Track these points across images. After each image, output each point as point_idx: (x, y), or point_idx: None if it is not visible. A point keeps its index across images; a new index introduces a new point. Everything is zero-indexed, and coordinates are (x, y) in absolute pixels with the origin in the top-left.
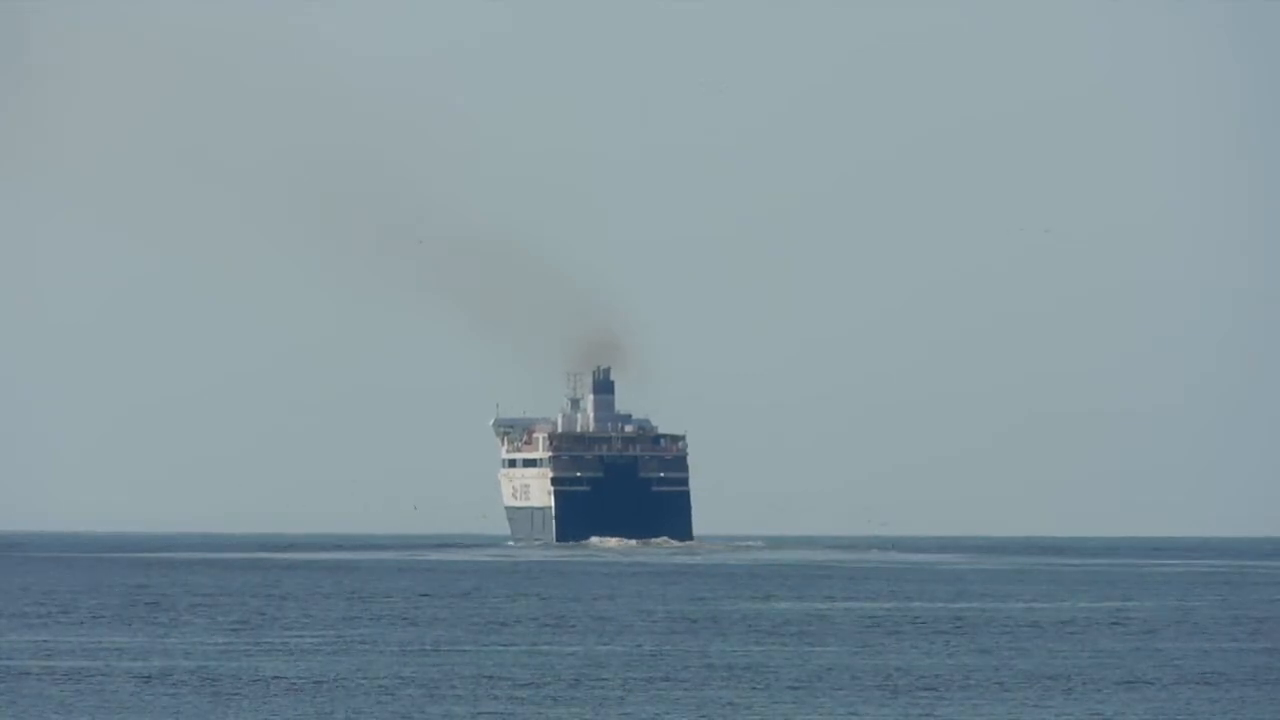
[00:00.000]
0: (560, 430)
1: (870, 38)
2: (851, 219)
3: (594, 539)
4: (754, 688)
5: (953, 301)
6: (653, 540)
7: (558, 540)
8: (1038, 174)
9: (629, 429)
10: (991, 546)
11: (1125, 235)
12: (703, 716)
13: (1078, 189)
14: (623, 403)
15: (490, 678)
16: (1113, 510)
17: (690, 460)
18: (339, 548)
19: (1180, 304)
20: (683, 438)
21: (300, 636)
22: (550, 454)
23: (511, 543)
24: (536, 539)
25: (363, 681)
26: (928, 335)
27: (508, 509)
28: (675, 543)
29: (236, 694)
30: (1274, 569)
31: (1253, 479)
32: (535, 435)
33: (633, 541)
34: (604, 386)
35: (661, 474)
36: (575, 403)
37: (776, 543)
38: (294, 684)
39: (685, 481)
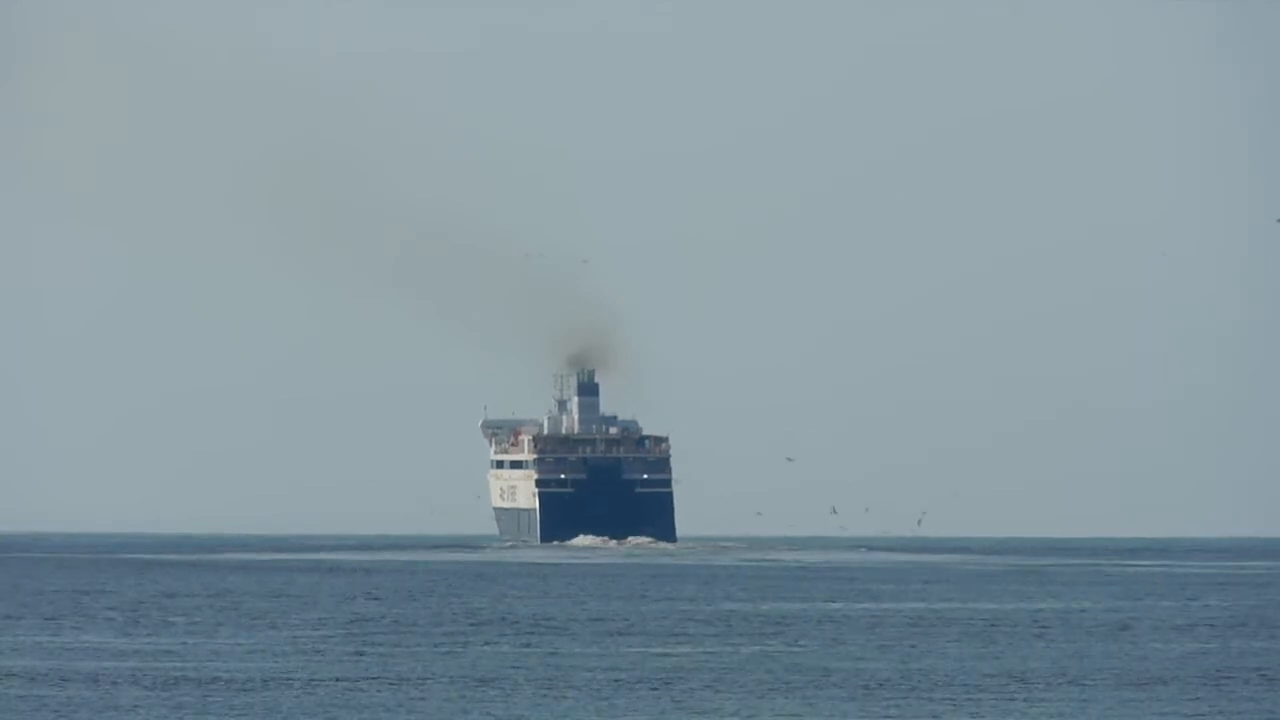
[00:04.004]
0: (545, 432)
1: (869, 38)
2: (841, 221)
3: (577, 539)
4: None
5: (946, 303)
6: (631, 540)
7: (542, 541)
8: (1038, 174)
9: (614, 430)
10: (975, 548)
11: (1126, 236)
12: None
13: (1078, 189)
14: (609, 404)
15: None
16: (1113, 510)
17: (674, 462)
18: (319, 549)
19: (1180, 304)
20: (666, 439)
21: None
22: (535, 456)
23: (498, 543)
24: (523, 540)
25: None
26: (920, 337)
27: (496, 510)
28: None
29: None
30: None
31: (1253, 479)
32: (521, 437)
33: (613, 542)
34: (589, 389)
35: (645, 475)
36: (561, 404)
37: (757, 544)
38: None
39: (668, 483)
